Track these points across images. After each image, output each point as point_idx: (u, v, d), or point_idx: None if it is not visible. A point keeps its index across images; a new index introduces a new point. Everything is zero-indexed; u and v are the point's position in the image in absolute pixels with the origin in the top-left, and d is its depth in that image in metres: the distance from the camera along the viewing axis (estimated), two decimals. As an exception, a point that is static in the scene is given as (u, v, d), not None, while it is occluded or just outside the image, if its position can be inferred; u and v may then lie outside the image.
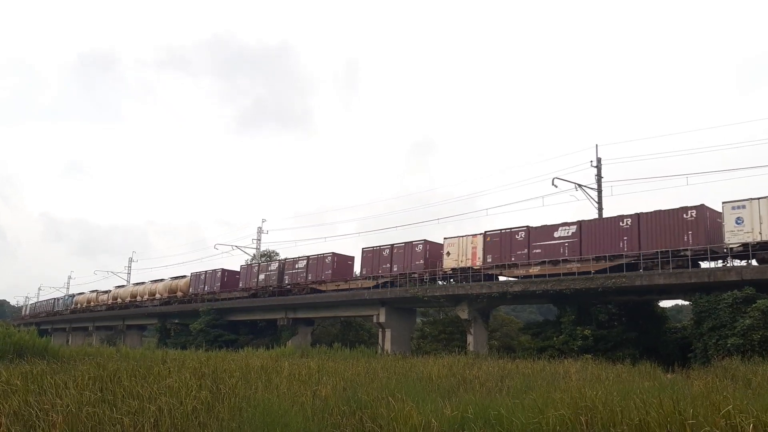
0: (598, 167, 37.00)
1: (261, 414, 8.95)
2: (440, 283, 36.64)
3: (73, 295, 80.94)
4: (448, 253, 35.86)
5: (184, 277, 59.29)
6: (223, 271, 53.69)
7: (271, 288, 46.98)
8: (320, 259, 44.23)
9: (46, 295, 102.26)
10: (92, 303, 74.06)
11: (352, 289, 40.89)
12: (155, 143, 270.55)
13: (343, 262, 43.67)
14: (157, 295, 60.84)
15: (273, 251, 69.74)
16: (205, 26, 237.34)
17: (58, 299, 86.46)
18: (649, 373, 18.19)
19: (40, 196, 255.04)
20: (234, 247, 64.41)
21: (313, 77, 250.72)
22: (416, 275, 36.68)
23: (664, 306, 36.83)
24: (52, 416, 8.39)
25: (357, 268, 43.79)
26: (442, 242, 37.12)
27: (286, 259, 47.24)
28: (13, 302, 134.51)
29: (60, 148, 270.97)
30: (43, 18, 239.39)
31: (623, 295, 29.72)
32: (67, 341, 72.42)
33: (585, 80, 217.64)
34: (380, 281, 38.80)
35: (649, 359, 24.06)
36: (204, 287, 54.48)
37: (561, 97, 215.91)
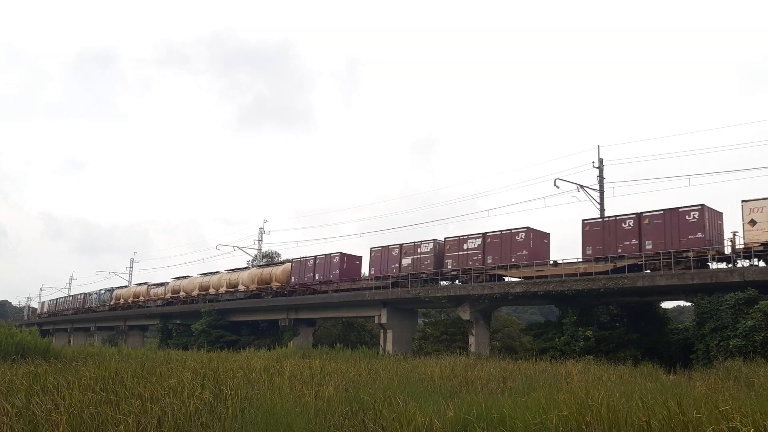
0: (600, 168, 36.99)
1: (263, 415, 8.96)
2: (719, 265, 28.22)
3: (111, 289, 72.09)
4: (753, 222, 26.61)
5: (280, 264, 49.84)
6: (342, 255, 43.41)
7: (423, 276, 36.81)
8: (508, 236, 33.69)
9: (48, 296, 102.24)
10: (142, 298, 64.83)
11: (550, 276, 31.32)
12: (155, 141, 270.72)
13: (538, 240, 33.68)
14: (241, 287, 50.59)
15: (275, 252, 69.92)
16: (205, 24, 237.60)
17: (90, 294, 76.54)
18: (651, 375, 18.19)
19: (40, 195, 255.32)
20: (236, 248, 64.45)
21: (313, 75, 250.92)
22: (690, 253, 26.94)
23: (666, 307, 36.82)
24: (55, 416, 8.41)
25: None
26: (707, 210, 27.35)
27: (446, 238, 36.97)
28: (15, 302, 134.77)
29: (59, 146, 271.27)
30: (43, 15, 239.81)
31: (625, 296, 29.69)
32: (69, 342, 72.56)
33: (587, 81, 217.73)
34: (618, 264, 29.00)
35: (650, 360, 24.10)
36: (314, 276, 44.49)
37: (563, 98, 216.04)
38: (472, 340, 34.45)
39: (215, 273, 56.10)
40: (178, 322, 57.83)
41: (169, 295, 60.32)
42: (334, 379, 13.89)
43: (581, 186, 36.71)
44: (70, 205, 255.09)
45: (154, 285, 64.45)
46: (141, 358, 21.70)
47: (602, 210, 36.19)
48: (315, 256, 44.84)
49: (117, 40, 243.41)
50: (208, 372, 14.03)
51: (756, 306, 23.61)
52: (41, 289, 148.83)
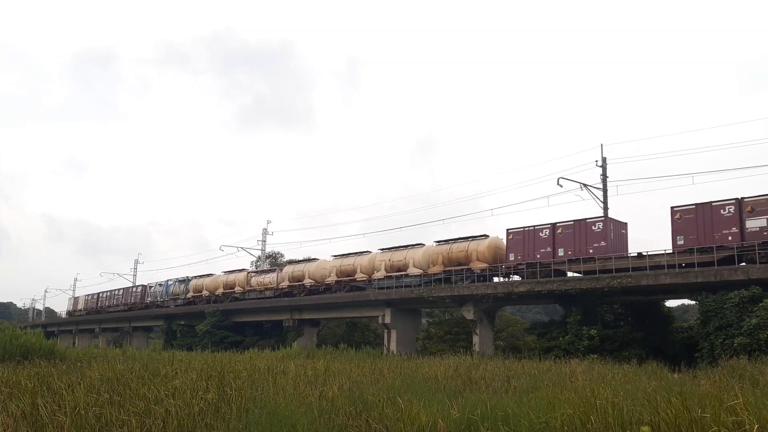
0: (604, 167, 36.87)
1: (268, 415, 8.97)
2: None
3: (186, 279, 59.93)
4: None
5: (482, 237, 36.11)
6: (608, 221, 31.48)
7: None
8: None
9: (53, 297, 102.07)
10: (239, 288, 51.85)
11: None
12: (155, 142, 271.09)
13: None
14: (413, 270, 38.10)
15: (278, 253, 70.01)
16: (205, 24, 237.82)
17: (151, 286, 65.22)
18: (655, 373, 18.13)
19: (41, 196, 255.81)
20: (239, 249, 64.44)
21: (314, 75, 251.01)
22: None
23: (670, 306, 36.74)
24: (60, 417, 8.44)
25: None
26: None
27: None
28: (19, 305, 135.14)
29: (59, 147, 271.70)
30: (43, 15, 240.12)
31: (629, 295, 29.63)
32: (74, 343, 72.69)
33: (589, 81, 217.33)
34: None
35: (655, 359, 24.02)
36: (554, 250, 32.06)
37: (565, 98, 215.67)
38: (476, 339, 34.42)
39: (361, 253, 43.45)
40: (182, 323, 57.94)
41: (285, 283, 47.33)
42: (338, 380, 13.88)
43: (584, 185, 36.61)
44: (72, 206, 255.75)
45: (255, 272, 52.53)
46: (145, 359, 21.72)
47: (606, 209, 36.11)
48: (553, 224, 32.57)
49: (117, 40, 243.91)
50: (213, 373, 14.04)
51: (760, 304, 23.55)
52: (46, 291, 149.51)
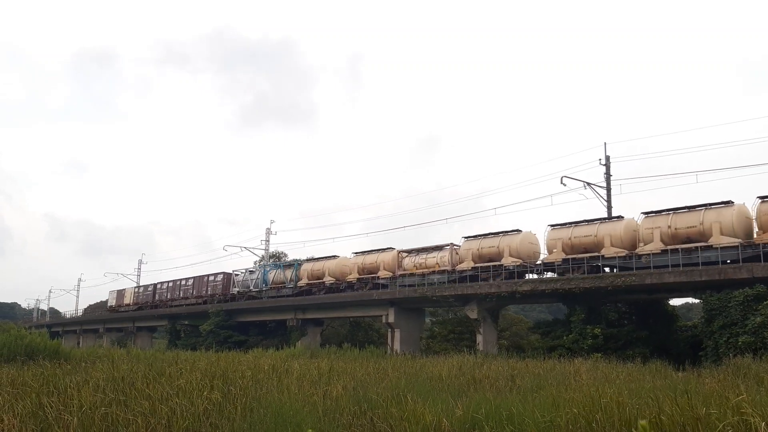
0: (607, 165, 36.82)
1: (272, 414, 8.98)
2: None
3: (293, 263, 48.84)
4: None
5: None
6: None
7: None
8: None
9: (57, 297, 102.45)
10: (384, 272, 40.02)
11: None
12: (157, 142, 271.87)
13: None
14: (721, 238, 25.81)
15: (282, 252, 69.99)
16: (205, 22, 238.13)
17: (235, 274, 53.09)
18: (660, 372, 18.12)
19: (44, 197, 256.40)
20: (243, 249, 64.33)
21: (316, 73, 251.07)
22: None
23: (674, 304, 36.64)
24: (66, 417, 8.48)
25: None
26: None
27: None
28: (24, 305, 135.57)
29: (61, 148, 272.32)
30: (42, 15, 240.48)
31: (633, 294, 29.57)
32: (78, 343, 72.88)
33: (591, 80, 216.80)
34: None
35: (659, 358, 24.00)
36: None
37: (567, 97, 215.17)
38: (479, 338, 34.40)
39: (605, 220, 31.13)
40: (186, 323, 58.03)
41: (467, 264, 34.90)
42: (343, 379, 13.89)
43: (588, 183, 36.56)
44: (74, 207, 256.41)
45: (408, 252, 40.16)
46: (150, 359, 21.78)
47: (609, 207, 36.05)
48: None
49: (116, 39, 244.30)
50: (217, 372, 14.08)
51: (765, 302, 23.46)
52: (50, 291, 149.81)
